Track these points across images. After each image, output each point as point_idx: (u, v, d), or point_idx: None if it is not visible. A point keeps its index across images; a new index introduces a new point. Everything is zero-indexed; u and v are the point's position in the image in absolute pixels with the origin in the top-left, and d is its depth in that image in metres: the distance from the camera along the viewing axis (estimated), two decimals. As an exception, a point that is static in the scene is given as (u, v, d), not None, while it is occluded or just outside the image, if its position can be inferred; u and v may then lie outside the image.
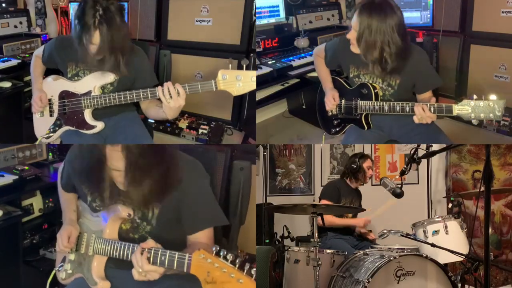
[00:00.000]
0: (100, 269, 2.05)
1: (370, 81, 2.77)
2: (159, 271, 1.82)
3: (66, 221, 2.17)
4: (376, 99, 2.72)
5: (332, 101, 2.86)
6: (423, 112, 2.46)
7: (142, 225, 2.03)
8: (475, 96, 2.36)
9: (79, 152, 2.11)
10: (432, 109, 2.46)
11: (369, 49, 2.56)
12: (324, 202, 3.60)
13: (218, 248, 1.64)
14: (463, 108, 2.37)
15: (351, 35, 2.63)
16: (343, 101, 2.86)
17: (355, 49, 2.66)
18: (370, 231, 3.73)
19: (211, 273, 1.62)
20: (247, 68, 2.42)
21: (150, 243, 1.85)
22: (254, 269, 1.58)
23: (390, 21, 2.49)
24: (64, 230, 2.11)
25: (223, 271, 1.60)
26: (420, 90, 2.75)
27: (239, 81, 2.40)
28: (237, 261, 1.60)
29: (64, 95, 2.70)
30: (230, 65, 2.43)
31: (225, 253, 1.62)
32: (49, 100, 2.74)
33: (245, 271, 1.58)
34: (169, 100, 2.42)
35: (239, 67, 2.44)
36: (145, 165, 1.92)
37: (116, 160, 1.95)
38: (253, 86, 2.42)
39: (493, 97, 2.33)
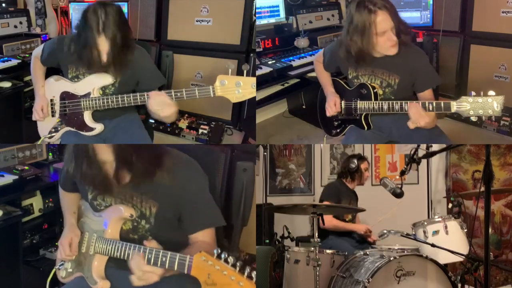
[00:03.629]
0: (101, 269, 2.05)
1: (369, 82, 2.77)
2: (157, 272, 1.81)
3: (67, 225, 2.16)
4: (376, 99, 2.71)
5: (333, 108, 2.84)
6: (417, 112, 2.44)
7: (141, 224, 2.03)
8: (473, 93, 2.34)
9: (73, 151, 2.10)
10: (431, 107, 2.44)
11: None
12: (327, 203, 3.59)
13: (219, 251, 1.65)
14: (461, 105, 2.35)
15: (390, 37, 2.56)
16: (343, 102, 2.86)
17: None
18: (371, 231, 3.72)
19: (211, 275, 1.63)
20: (248, 74, 2.37)
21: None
22: (255, 272, 1.59)
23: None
24: (64, 238, 2.11)
25: (224, 274, 1.61)
26: (420, 89, 2.74)
27: (238, 87, 2.36)
28: (237, 264, 1.61)
29: (65, 96, 2.70)
30: (230, 70, 2.37)
31: (226, 255, 1.64)
32: (51, 100, 2.74)
33: (246, 274, 1.59)
34: (159, 111, 2.45)
35: (239, 69, 2.39)
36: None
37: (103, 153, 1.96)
38: (253, 93, 2.38)
39: (491, 93, 2.30)
